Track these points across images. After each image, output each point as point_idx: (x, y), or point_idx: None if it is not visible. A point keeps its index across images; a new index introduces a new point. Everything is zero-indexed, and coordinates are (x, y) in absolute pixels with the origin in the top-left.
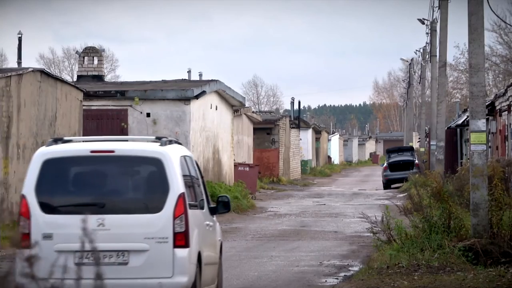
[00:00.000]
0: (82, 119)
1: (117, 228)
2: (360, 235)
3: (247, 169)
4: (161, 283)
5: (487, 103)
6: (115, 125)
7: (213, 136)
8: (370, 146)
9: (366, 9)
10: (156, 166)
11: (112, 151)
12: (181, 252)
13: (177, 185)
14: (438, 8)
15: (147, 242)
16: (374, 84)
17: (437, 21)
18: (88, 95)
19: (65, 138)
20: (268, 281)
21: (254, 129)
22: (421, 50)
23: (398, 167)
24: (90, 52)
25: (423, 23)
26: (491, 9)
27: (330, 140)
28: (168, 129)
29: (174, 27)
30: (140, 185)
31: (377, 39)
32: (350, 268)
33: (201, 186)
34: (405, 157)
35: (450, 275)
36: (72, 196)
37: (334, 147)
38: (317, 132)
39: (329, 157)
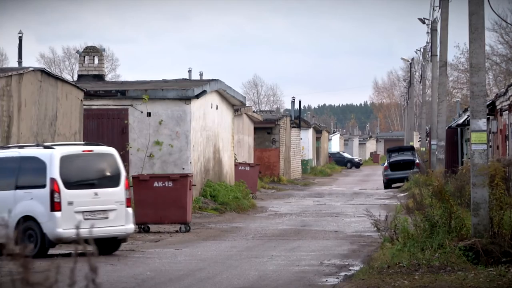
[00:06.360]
0: (83, 118)
1: (103, 196)
2: (360, 234)
3: (248, 168)
4: (125, 228)
5: (487, 103)
6: (115, 124)
7: (214, 136)
8: (371, 146)
9: (365, 8)
10: (114, 158)
11: (92, 150)
12: (130, 210)
13: (124, 170)
14: (439, 8)
15: (116, 205)
16: (374, 84)
17: (438, 21)
18: (88, 95)
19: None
20: (269, 281)
21: (255, 129)
22: (422, 50)
23: (399, 167)
24: (91, 51)
25: (423, 22)
26: (492, 8)
27: (331, 139)
28: (169, 128)
29: (160, 28)
30: (109, 170)
31: (377, 39)
32: (350, 268)
33: None
34: (406, 156)
35: (450, 274)
36: (79, 177)
37: (334, 147)
38: (318, 131)
39: (330, 157)
